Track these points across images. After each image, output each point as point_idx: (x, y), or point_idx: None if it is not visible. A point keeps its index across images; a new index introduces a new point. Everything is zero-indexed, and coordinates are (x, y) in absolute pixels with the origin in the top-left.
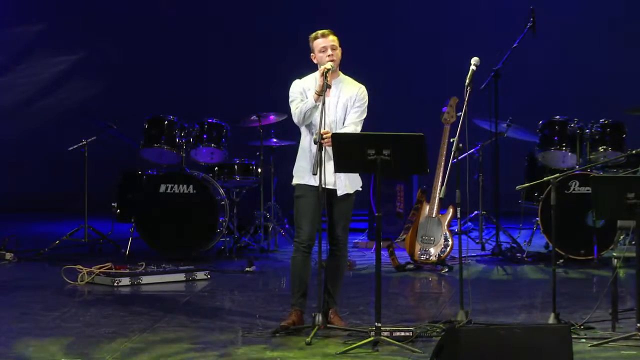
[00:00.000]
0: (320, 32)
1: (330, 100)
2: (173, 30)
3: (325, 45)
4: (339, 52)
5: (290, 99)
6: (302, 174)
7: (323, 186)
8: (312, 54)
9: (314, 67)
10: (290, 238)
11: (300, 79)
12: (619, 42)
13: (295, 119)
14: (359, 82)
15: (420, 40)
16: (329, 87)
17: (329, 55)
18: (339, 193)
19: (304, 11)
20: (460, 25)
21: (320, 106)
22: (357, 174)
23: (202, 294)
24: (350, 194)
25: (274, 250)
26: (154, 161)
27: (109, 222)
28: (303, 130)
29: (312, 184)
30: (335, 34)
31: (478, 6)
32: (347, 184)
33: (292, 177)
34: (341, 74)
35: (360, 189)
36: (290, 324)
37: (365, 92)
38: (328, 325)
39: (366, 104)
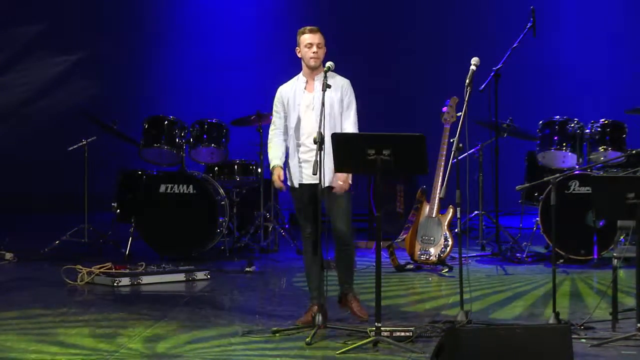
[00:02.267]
0: (308, 27)
1: (315, 95)
2: (173, 30)
3: (311, 42)
4: (323, 50)
5: (273, 109)
6: (288, 176)
7: (323, 186)
8: (297, 48)
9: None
10: (290, 238)
11: (283, 84)
12: (619, 42)
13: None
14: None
15: (421, 40)
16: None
17: (313, 52)
18: (325, 184)
19: (304, 11)
20: (460, 25)
21: (316, 105)
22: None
23: (202, 294)
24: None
25: (274, 250)
26: (154, 161)
27: (109, 222)
28: (289, 134)
29: (295, 185)
30: (321, 32)
31: (478, 6)
32: (331, 177)
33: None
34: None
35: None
36: (305, 322)
37: (350, 86)
38: (328, 325)
39: (353, 96)
